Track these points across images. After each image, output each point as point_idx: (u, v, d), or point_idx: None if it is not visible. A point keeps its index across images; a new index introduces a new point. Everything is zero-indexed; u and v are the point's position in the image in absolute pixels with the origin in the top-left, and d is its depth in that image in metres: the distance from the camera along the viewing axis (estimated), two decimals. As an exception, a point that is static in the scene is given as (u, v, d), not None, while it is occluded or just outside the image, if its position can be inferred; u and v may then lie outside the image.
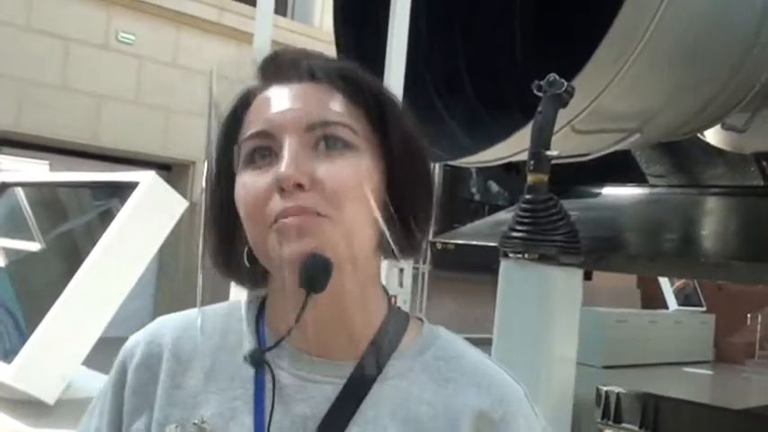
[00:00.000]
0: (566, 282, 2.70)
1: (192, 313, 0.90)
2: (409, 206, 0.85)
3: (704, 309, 14.58)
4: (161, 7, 9.96)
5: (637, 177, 5.50)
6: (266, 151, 0.81)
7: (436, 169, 12.33)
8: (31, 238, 2.87)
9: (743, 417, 5.54)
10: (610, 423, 5.61)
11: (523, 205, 2.71)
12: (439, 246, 6.59)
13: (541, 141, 2.62)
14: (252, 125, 0.83)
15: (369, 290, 0.83)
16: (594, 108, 3.55)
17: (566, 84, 2.64)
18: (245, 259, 0.84)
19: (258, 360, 0.81)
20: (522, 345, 2.69)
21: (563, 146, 3.70)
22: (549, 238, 2.64)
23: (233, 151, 0.83)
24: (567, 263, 2.67)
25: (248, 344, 0.85)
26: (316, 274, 0.76)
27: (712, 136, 5.12)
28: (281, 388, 0.82)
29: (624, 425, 5.54)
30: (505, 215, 4.78)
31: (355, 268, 0.80)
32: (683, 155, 5.38)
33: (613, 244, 4.79)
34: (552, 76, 2.66)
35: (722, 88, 3.99)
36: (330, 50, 5.64)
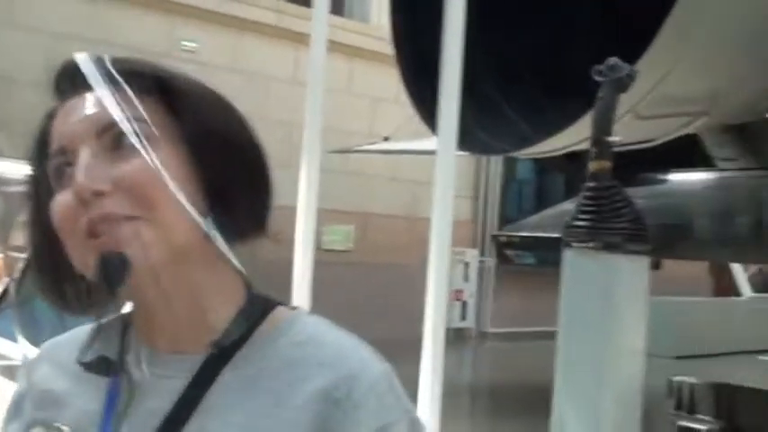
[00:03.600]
0: (632, 270, 2.64)
1: (83, 327, 0.92)
2: (229, 189, 0.80)
3: (780, 295, 14.19)
4: (221, 14, 10.12)
5: (705, 162, 5.35)
6: (68, 167, 0.78)
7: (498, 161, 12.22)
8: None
9: (824, 405, 5.35)
10: (684, 414, 5.49)
11: (586, 193, 2.66)
12: (503, 238, 6.56)
13: (603, 128, 2.57)
14: (55, 141, 0.80)
15: (206, 281, 0.80)
16: (658, 93, 3.47)
17: (628, 67, 2.58)
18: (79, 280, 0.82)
19: (96, 367, 0.83)
20: (588, 337, 2.65)
21: (627, 132, 3.63)
22: (614, 226, 2.59)
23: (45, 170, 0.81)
24: (633, 250, 2.61)
25: (114, 348, 0.85)
26: (111, 271, 0.74)
27: (784, 116, 4.95)
28: (135, 387, 0.81)
29: (698, 416, 5.41)
30: (569, 205, 4.71)
31: (180, 262, 0.78)
32: (753, 136, 5.21)
33: (682, 231, 4.68)
34: (613, 60, 2.60)
35: (791, 66, 3.86)
36: (387, 48, 5.63)
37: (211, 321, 0.81)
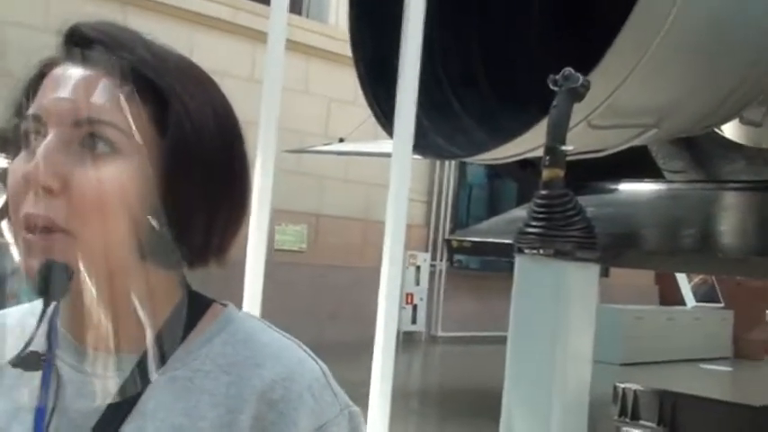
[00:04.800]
0: (582, 277, 2.68)
1: None
2: (187, 212, 0.77)
3: (722, 305, 14.51)
4: (176, 7, 10.00)
5: (654, 173, 5.46)
6: (38, 136, 0.74)
7: (451, 166, 12.30)
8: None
9: (762, 413, 5.49)
10: (627, 420, 5.58)
11: (538, 201, 2.69)
12: (455, 243, 6.59)
13: (557, 136, 2.60)
14: (35, 104, 0.76)
15: (140, 284, 0.77)
16: (611, 103, 3.52)
17: (581, 78, 2.61)
18: None
19: (25, 363, 0.76)
20: (537, 341, 2.68)
21: (579, 141, 3.68)
22: (565, 234, 2.63)
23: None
24: (583, 258, 2.65)
25: (40, 341, 0.79)
26: (51, 282, 0.72)
27: (730, 131, 5.07)
28: (65, 385, 0.79)
29: (642, 422, 5.51)
30: (520, 212, 4.75)
31: (113, 275, 0.75)
32: (701, 150, 5.33)
33: (631, 240, 4.76)
34: (567, 70, 2.64)
35: (740, 83, 3.95)
36: (345, 49, 5.62)
37: (145, 321, 0.78)
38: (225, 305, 0.84)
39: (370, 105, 4.50)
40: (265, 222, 3.04)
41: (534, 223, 2.70)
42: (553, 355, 2.67)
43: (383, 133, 4.62)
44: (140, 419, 0.76)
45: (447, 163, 11.74)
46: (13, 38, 8.52)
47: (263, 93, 3.16)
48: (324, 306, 10.63)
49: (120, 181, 0.73)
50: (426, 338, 12.28)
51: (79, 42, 0.78)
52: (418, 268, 12.04)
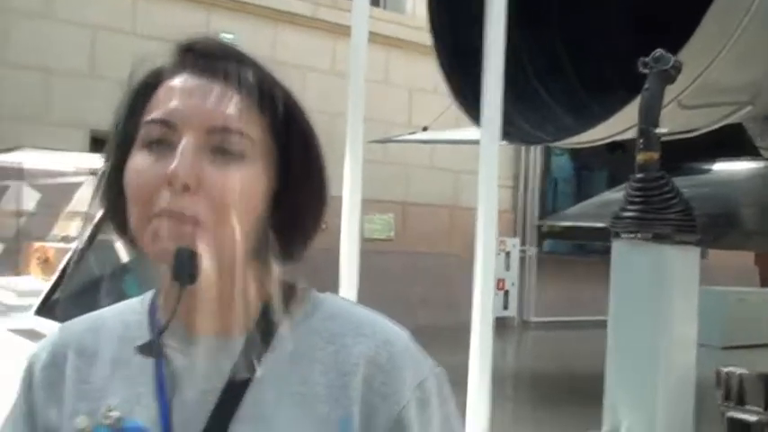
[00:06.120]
0: (682, 260, 2.62)
1: (93, 314, 0.96)
2: (296, 216, 0.86)
3: (828, 284, 13.90)
4: (259, 6, 10.16)
5: (750, 151, 5.27)
6: (165, 140, 0.80)
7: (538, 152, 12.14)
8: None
9: None
10: (733, 405, 5.41)
11: (634, 184, 2.64)
12: (545, 228, 6.53)
13: (650, 119, 2.55)
14: (157, 109, 0.82)
15: (248, 273, 0.84)
16: (701, 82, 3.43)
17: (673, 59, 2.55)
18: (126, 233, 0.86)
19: (149, 350, 0.84)
20: (640, 327, 2.63)
21: (670, 122, 3.59)
22: (663, 217, 2.57)
23: (134, 124, 0.83)
24: (682, 241, 2.59)
25: (144, 333, 0.89)
26: (186, 267, 0.78)
27: (831, 102, 4.85)
28: (179, 369, 0.85)
29: (748, 407, 5.33)
30: (612, 195, 4.67)
31: (230, 265, 0.82)
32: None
33: (730, 220, 4.61)
34: (659, 51, 2.58)
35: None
36: (423, 38, 5.60)
37: (249, 305, 0.85)
38: (305, 287, 0.90)
39: (453, 94, 4.49)
40: (357, 211, 3.08)
41: (631, 207, 2.65)
42: (656, 341, 2.63)
43: (465, 120, 4.60)
44: (257, 391, 0.83)
45: (532, 147, 11.60)
46: (104, 42, 8.83)
47: (348, 87, 3.19)
48: (415, 292, 10.68)
49: (248, 184, 0.81)
50: (519, 324, 12.20)
51: (199, 56, 0.84)
52: (508, 254, 11.95)
